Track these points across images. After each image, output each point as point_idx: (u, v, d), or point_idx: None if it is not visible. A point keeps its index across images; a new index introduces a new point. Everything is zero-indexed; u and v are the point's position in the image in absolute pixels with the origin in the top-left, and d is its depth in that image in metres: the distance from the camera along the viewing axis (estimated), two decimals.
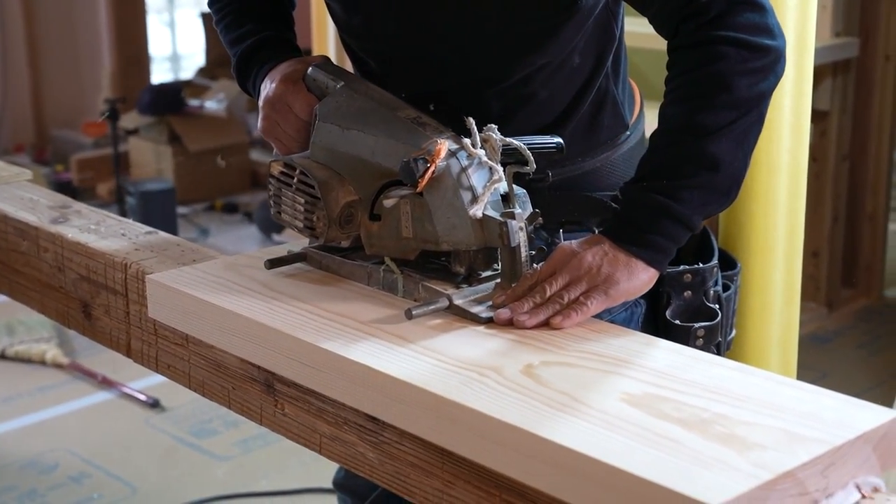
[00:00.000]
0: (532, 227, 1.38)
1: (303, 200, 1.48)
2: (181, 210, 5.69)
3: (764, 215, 1.87)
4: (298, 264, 1.54)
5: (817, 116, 4.15)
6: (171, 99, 6.07)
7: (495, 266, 1.42)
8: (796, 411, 1.11)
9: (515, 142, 1.39)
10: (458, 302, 1.36)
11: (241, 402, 1.48)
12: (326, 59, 1.62)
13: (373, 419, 1.28)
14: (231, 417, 1.36)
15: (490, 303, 1.37)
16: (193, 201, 5.92)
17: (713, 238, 1.65)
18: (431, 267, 1.45)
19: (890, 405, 3.03)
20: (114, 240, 1.76)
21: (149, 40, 6.79)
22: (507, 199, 1.38)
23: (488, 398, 1.14)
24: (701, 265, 1.59)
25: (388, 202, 1.42)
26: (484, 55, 1.52)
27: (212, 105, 6.33)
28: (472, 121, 1.39)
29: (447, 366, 1.23)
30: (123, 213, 5.16)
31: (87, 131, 6.38)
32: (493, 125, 1.39)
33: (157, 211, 5.13)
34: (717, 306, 1.60)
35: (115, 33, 6.49)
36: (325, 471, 3.00)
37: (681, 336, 1.54)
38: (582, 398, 1.14)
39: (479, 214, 1.36)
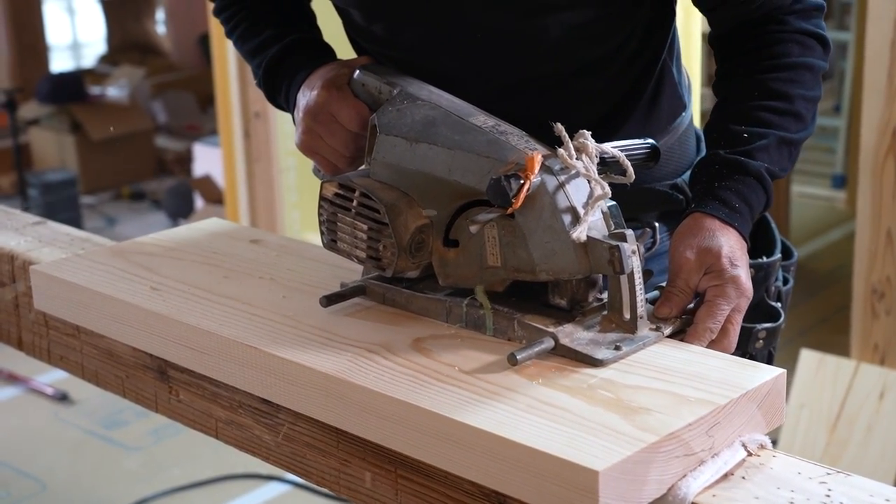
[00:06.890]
0: (644, 248, 1.22)
1: (365, 227, 1.27)
2: (87, 200, 5.61)
3: None
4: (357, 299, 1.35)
5: None
6: (71, 87, 5.99)
7: (598, 296, 1.24)
8: (682, 373, 1.12)
9: (613, 150, 1.24)
10: (565, 342, 1.17)
11: (136, 390, 1.46)
12: (373, 60, 1.42)
13: (267, 402, 1.26)
14: (142, 408, 1.33)
15: (603, 339, 1.18)
16: (99, 190, 5.84)
17: (774, 227, 1.49)
18: (519, 299, 1.25)
19: (795, 363, 3.07)
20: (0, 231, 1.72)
21: (46, 27, 6.68)
22: (605, 216, 1.20)
23: (376, 375, 1.14)
24: (765, 259, 1.42)
25: (475, 228, 1.22)
26: (532, 54, 1.37)
27: (114, 92, 6.25)
28: (561, 127, 1.21)
29: (336, 344, 1.22)
30: (26, 206, 5.07)
31: None
32: (586, 131, 1.22)
33: (60, 202, 5.05)
34: (779, 304, 1.45)
35: (10, 20, 6.37)
36: (238, 457, 2.96)
37: (740, 338, 1.29)
38: (469, 369, 1.14)
39: (584, 238, 1.16)
